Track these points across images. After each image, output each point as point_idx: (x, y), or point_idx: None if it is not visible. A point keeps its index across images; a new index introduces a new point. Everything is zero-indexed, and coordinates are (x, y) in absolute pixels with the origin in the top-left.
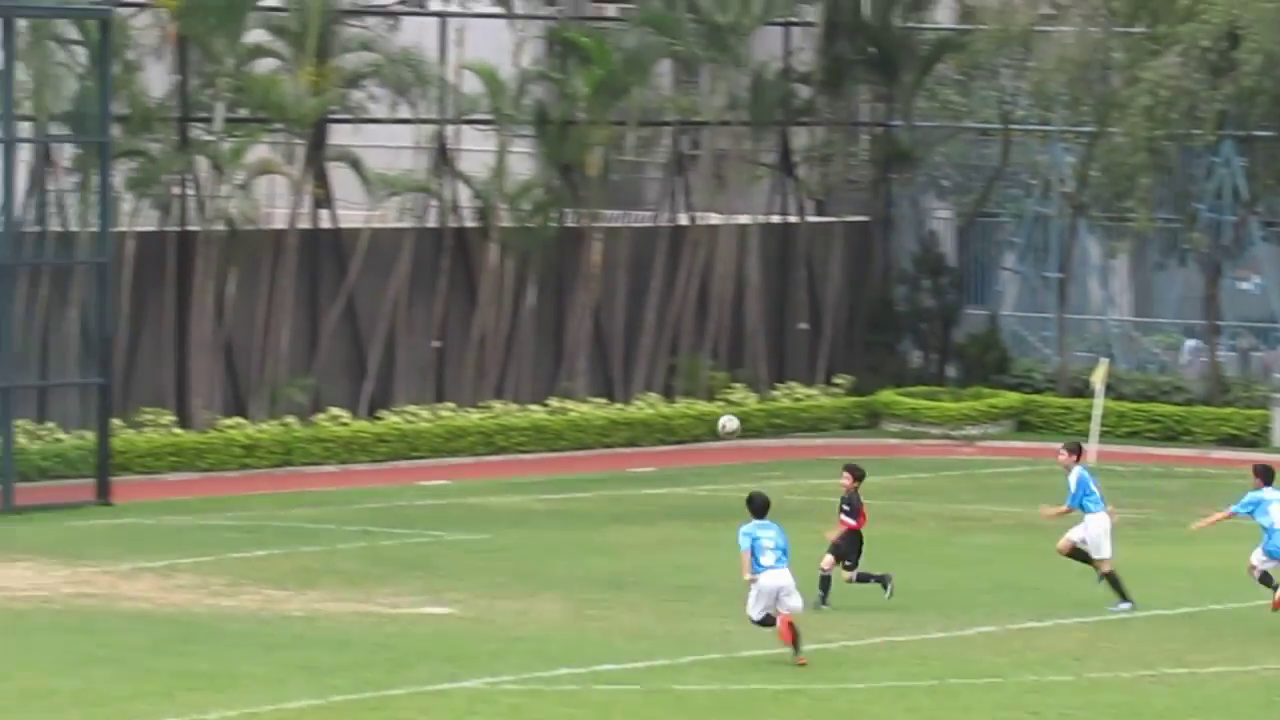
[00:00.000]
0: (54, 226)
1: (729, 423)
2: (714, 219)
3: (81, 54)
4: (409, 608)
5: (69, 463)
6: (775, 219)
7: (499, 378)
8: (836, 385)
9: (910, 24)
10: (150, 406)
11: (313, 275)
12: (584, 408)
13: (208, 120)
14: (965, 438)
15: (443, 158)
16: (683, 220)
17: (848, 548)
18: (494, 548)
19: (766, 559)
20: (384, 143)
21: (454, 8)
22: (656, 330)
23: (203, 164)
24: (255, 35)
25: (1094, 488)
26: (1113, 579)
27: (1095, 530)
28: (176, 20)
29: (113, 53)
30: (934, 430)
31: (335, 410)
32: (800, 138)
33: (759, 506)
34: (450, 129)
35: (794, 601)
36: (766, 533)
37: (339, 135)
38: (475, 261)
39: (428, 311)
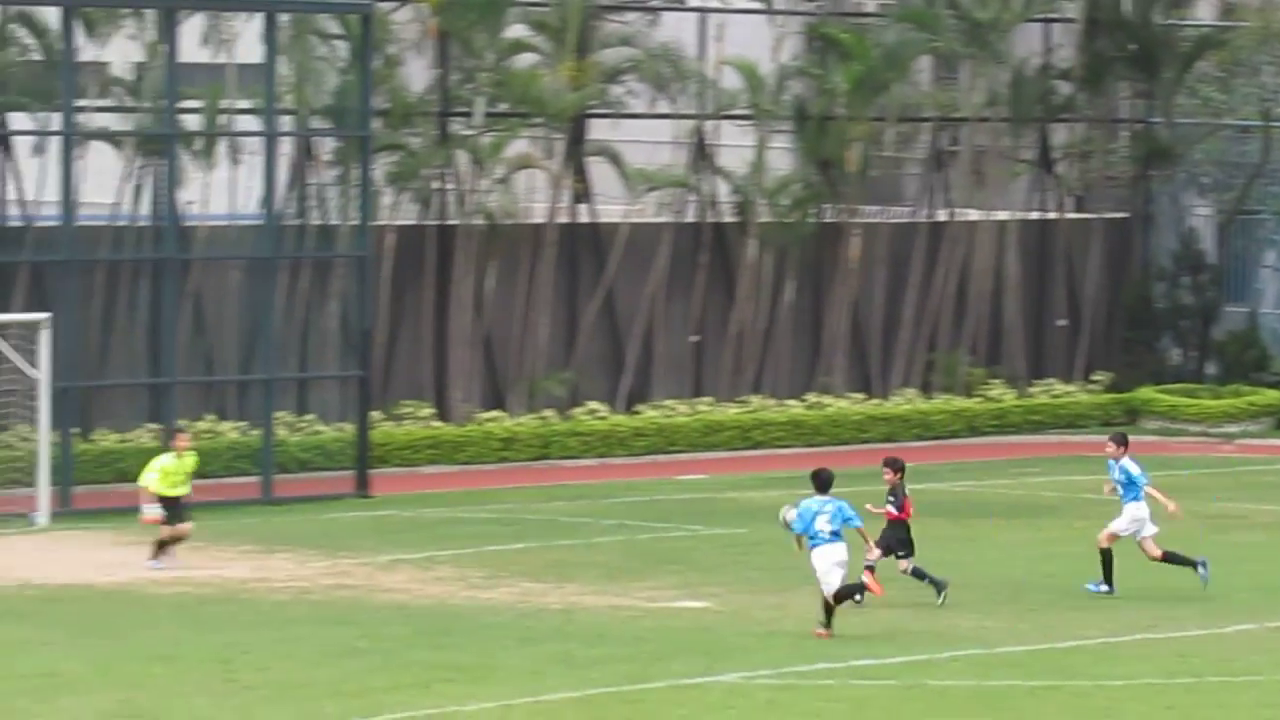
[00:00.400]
0: (314, 220)
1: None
2: (972, 215)
3: (342, 49)
4: (666, 601)
5: (328, 455)
6: (1034, 215)
7: (756, 373)
8: (1095, 382)
9: (1171, 21)
10: (409, 399)
11: (571, 270)
12: (841, 403)
13: (468, 115)
14: (1224, 435)
15: (701, 153)
16: (941, 216)
17: (896, 539)
18: (750, 542)
19: (822, 534)
20: (643, 138)
21: (714, 3)
22: (914, 326)
23: (462, 158)
24: (515, 30)
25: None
26: (1171, 557)
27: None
28: (437, 15)
29: (373, 47)
30: (1193, 428)
31: (593, 404)
32: (1059, 134)
33: (822, 482)
34: (709, 124)
35: (833, 579)
36: (825, 509)
37: (598, 130)
38: (733, 256)
39: (685, 306)
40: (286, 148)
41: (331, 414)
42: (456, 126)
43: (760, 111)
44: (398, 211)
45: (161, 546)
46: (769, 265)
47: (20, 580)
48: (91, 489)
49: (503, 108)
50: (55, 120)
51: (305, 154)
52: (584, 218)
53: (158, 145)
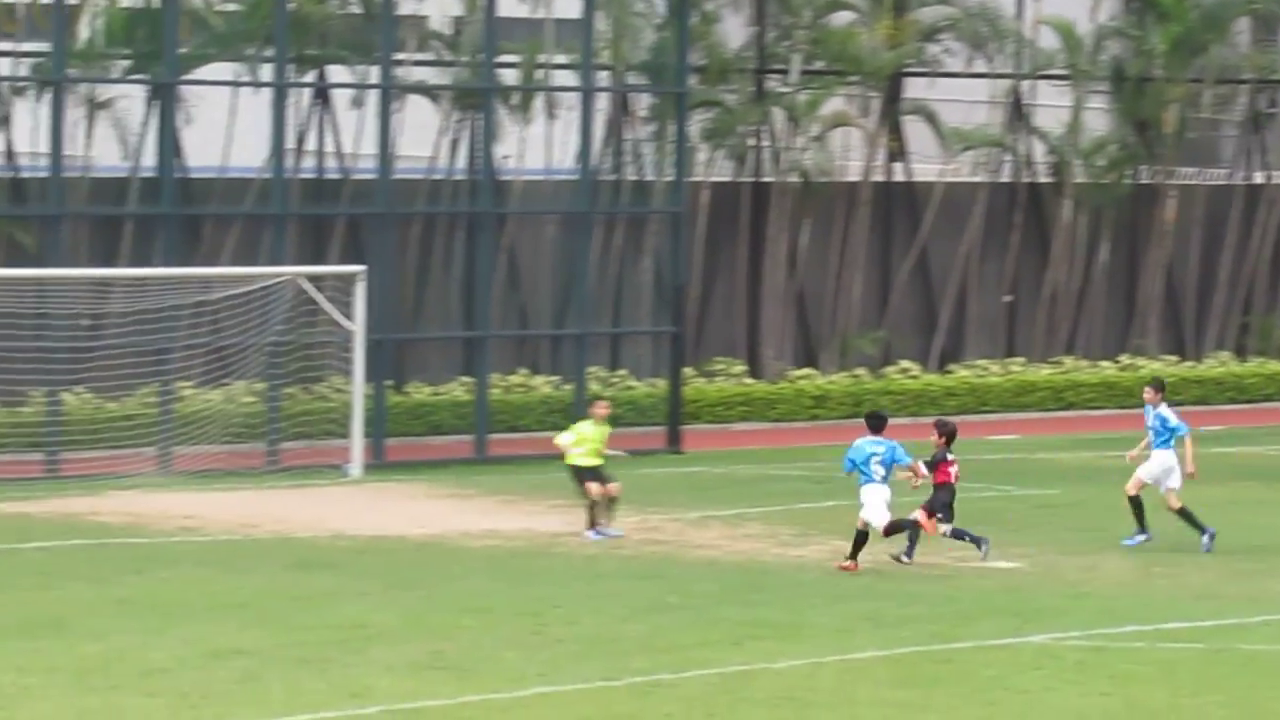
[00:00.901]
0: (629, 175)
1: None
2: None
3: (659, 4)
4: (976, 561)
5: (640, 410)
6: None
7: (1070, 333)
8: None
9: None
10: (721, 356)
11: (885, 228)
12: (1155, 365)
13: (784, 72)
14: None
15: (1017, 113)
16: (1258, 179)
17: (939, 502)
18: (1062, 503)
19: (874, 475)
20: (958, 97)
21: None
22: (1229, 288)
23: (778, 116)
24: None
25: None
26: (1185, 515)
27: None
28: None
29: (690, 4)
30: None
31: (905, 363)
32: None
33: (875, 423)
34: (1026, 84)
35: (866, 514)
36: (877, 449)
37: (914, 89)
38: (1048, 217)
39: (999, 266)
40: (603, 103)
41: (643, 370)
42: (772, 84)
43: (1077, 72)
44: (712, 168)
45: (595, 511)
46: (1084, 226)
47: (333, 531)
48: (404, 441)
49: (819, 65)
50: (374, 74)
51: (621, 110)
52: (899, 176)
53: (475, 99)
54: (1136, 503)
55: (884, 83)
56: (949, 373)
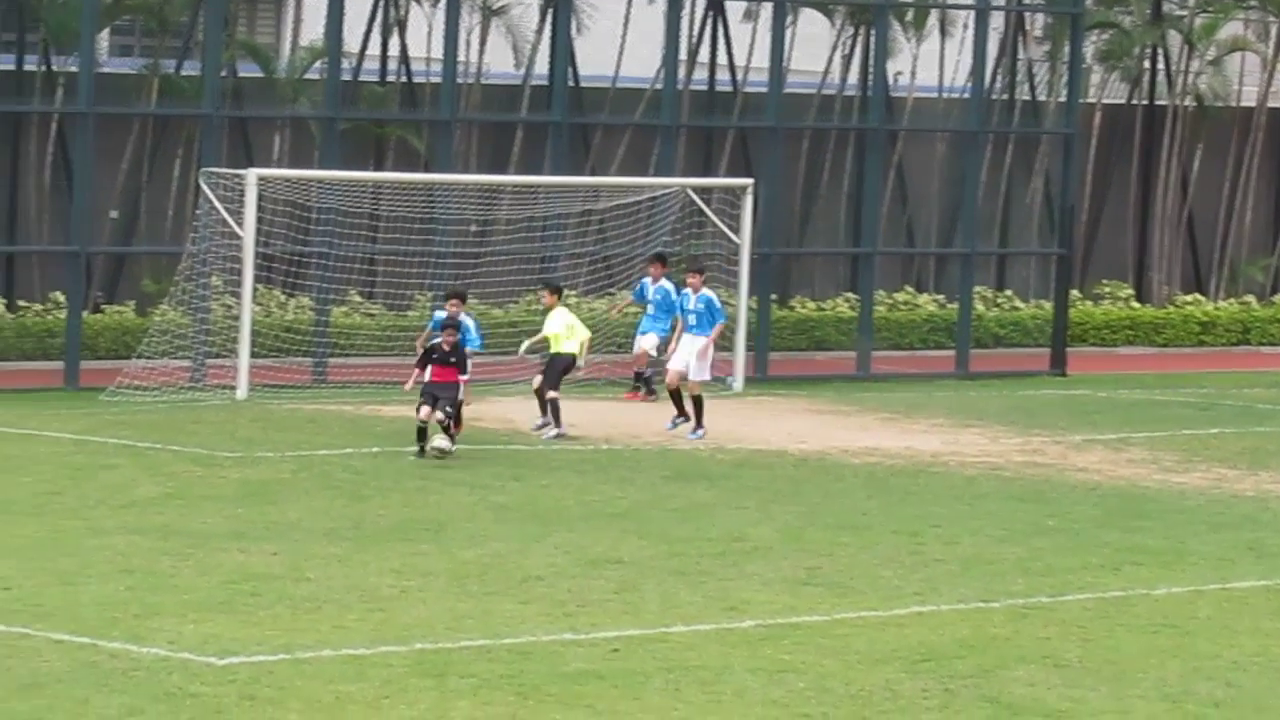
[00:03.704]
0: (1021, 95)
1: None
2: None
3: None
4: None
5: (1025, 331)
6: None
7: None
8: None
9: None
10: (1109, 279)
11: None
12: None
13: None
14: None
15: None
16: None
17: None
18: None
19: None
20: None
21: None
22: None
23: (1174, 38)
24: None
25: None
26: None
27: None
28: None
29: None
30: None
31: None
32: None
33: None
34: None
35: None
36: None
37: None
38: None
39: None
40: (997, 22)
41: (1029, 291)
42: (1170, 6)
43: None
44: (1106, 90)
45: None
46: None
47: (713, 444)
48: (786, 356)
49: None
50: None
51: (1016, 29)
52: None
53: (868, 15)
54: None
55: None
56: None
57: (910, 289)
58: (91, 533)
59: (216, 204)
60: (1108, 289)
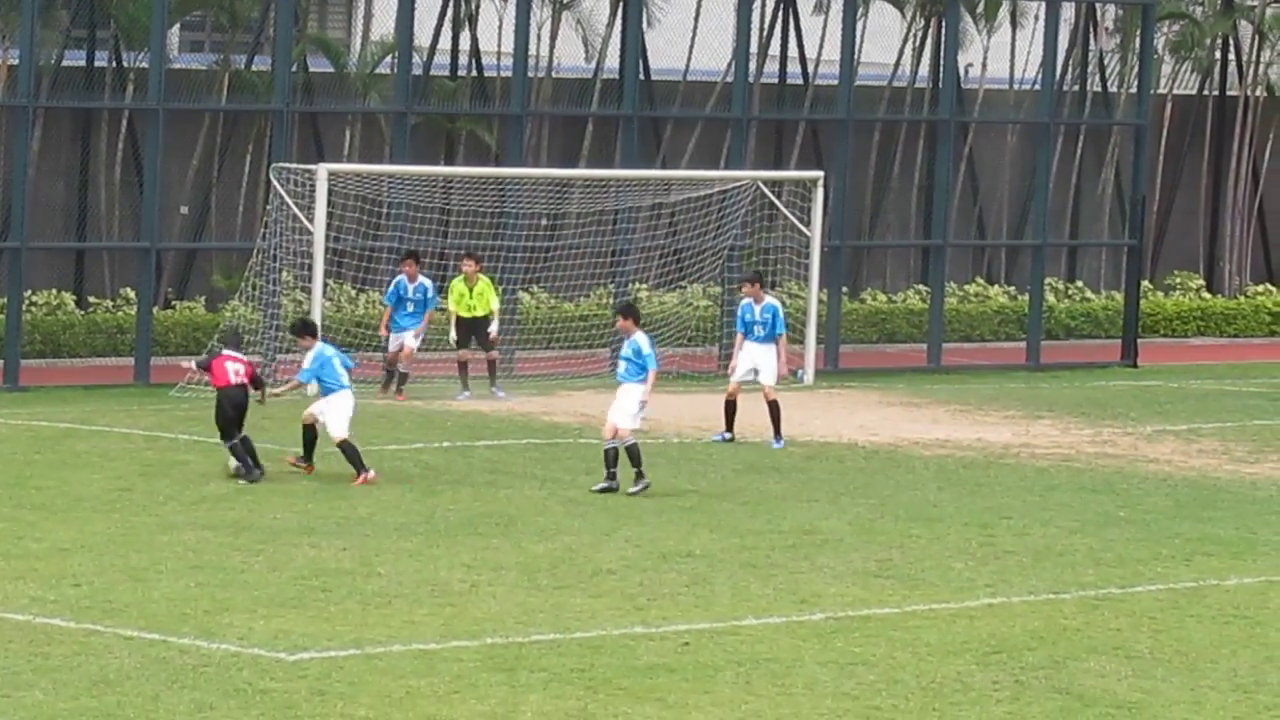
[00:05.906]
0: (1093, 87)
1: None
2: None
3: None
4: None
5: (1096, 322)
6: None
7: None
8: None
9: None
10: (1179, 270)
11: None
12: None
13: None
14: None
15: None
16: None
17: None
18: None
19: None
20: None
21: None
22: None
23: (1245, 29)
24: None
25: None
26: None
27: None
28: None
29: None
30: None
31: None
32: None
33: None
34: None
35: None
36: None
37: None
38: None
39: None
40: (1068, 14)
41: (1100, 282)
42: None
43: None
44: (1177, 81)
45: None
46: None
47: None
48: (857, 348)
49: None
50: None
51: (1088, 20)
52: None
53: (939, 6)
54: None
55: None
56: None
57: (981, 281)
58: (162, 528)
59: (287, 199)
60: (1178, 280)
